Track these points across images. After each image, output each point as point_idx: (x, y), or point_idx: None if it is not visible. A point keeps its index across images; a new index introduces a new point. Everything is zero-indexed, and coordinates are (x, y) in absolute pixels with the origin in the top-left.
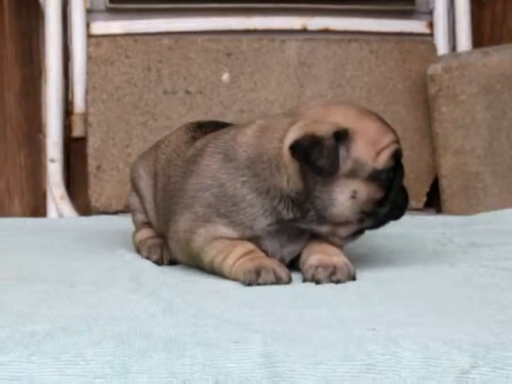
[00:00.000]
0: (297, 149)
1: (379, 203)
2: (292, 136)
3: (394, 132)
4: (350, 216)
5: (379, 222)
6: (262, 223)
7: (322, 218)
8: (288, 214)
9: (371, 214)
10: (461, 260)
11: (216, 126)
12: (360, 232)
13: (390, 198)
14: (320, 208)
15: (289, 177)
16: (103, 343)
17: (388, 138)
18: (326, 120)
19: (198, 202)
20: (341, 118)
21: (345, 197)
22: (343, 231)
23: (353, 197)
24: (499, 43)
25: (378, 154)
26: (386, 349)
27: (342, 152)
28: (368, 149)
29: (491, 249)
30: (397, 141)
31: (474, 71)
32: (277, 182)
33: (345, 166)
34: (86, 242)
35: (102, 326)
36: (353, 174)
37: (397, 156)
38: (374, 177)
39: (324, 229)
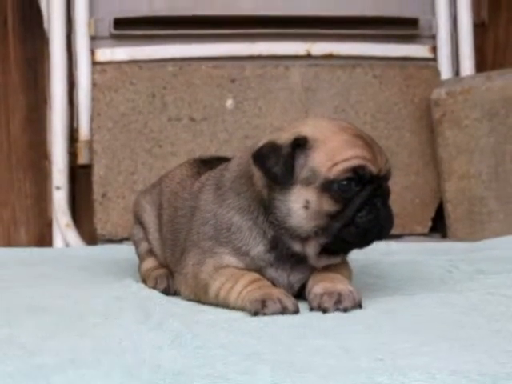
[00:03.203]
0: (257, 157)
1: (333, 217)
2: (259, 145)
3: (371, 151)
4: (306, 228)
5: (335, 239)
6: (257, 248)
7: (285, 231)
8: (269, 231)
9: (325, 229)
10: (467, 288)
11: (219, 161)
12: (332, 252)
13: (345, 213)
14: (280, 219)
15: (257, 187)
16: (111, 375)
17: (352, 152)
18: (292, 129)
19: (202, 236)
20: (308, 127)
21: (298, 206)
22: (309, 249)
23: (306, 207)
24: (502, 67)
25: (335, 165)
26: (394, 379)
27: (300, 160)
28: (326, 158)
29: (498, 276)
30: (366, 158)
31: (478, 96)
32: (252, 194)
33: (301, 174)
34: (92, 272)
35: (109, 358)
36: (307, 183)
37: (357, 171)
38: (326, 187)
39: (296, 247)
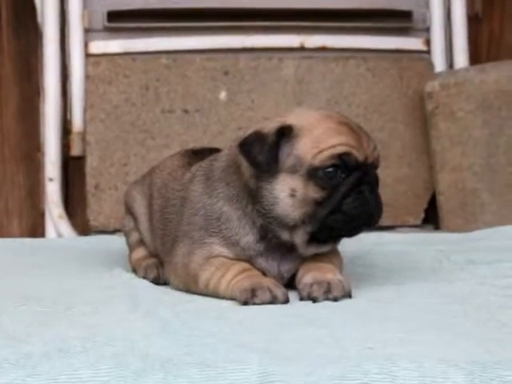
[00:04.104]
0: (243, 145)
1: (319, 204)
2: (245, 134)
3: (357, 138)
4: (293, 216)
5: (322, 227)
6: (246, 238)
7: (273, 220)
8: (258, 220)
9: (312, 216)
10: (458, 278)
11: (211, 152)
12: (320, 241)
13: (331, 200)
14: (267, 208)
15: (244, 176)
16: (100, 364)
17: (337, 139)
18: (278, 119)
19: (192, 227)
20: (293, 116)
21: (284, 194)
22: (297, 238)
23: (292, 195)
24: (496, 59)
25: (320, 152)
26: (382, 368)
27: (285, 148)
28: (311, 146)
29: (489, 266)
30: (351, 145)
31: (472, 88)
32: (240, 184)
33: (287, 162)
34: (83, 262)
35: (98, 347)
36: (293, 171)
37: (342, 158)
38: (311, 174)
39: (285, 235)
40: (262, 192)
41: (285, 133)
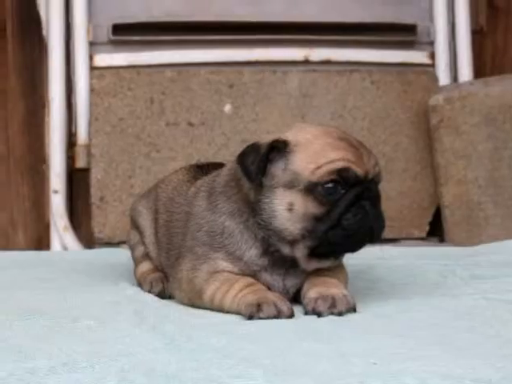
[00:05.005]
0: (239, 155)
1: (319, 220)
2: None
3: (356, 153)
4: (291, 230)
5: (322, 242)
6: (249, 252)
7: (273, 233)
8: (259, 233)
9: (311, 231)
10: (463, 292)
11: (216, 167)
12: (322, 256)
13: (331, 216)
14: (266, 221)
15: (244, 189)
16: (105, 379)
17: (335, 154)
18: (277, 133)
19: (196, 242)
20: (291, 132)
21: (282, 208)
22: (298, 252)
23: (290, 209)
24: (500, 73)
25: (319, 167)
26: None
27: (280, 163)
28: (308, 161)
29: (494, 281)
30: (350, 160)
31: (476, 102)
32: (241, 197)
33: (283, 177)
34: (88, 276)
35: (104, 362)
36: (290, 186)
37: (341, 174)
38: (310, 190)
39: (285, 249)
40: (261, 205)
41: (279, 147)
